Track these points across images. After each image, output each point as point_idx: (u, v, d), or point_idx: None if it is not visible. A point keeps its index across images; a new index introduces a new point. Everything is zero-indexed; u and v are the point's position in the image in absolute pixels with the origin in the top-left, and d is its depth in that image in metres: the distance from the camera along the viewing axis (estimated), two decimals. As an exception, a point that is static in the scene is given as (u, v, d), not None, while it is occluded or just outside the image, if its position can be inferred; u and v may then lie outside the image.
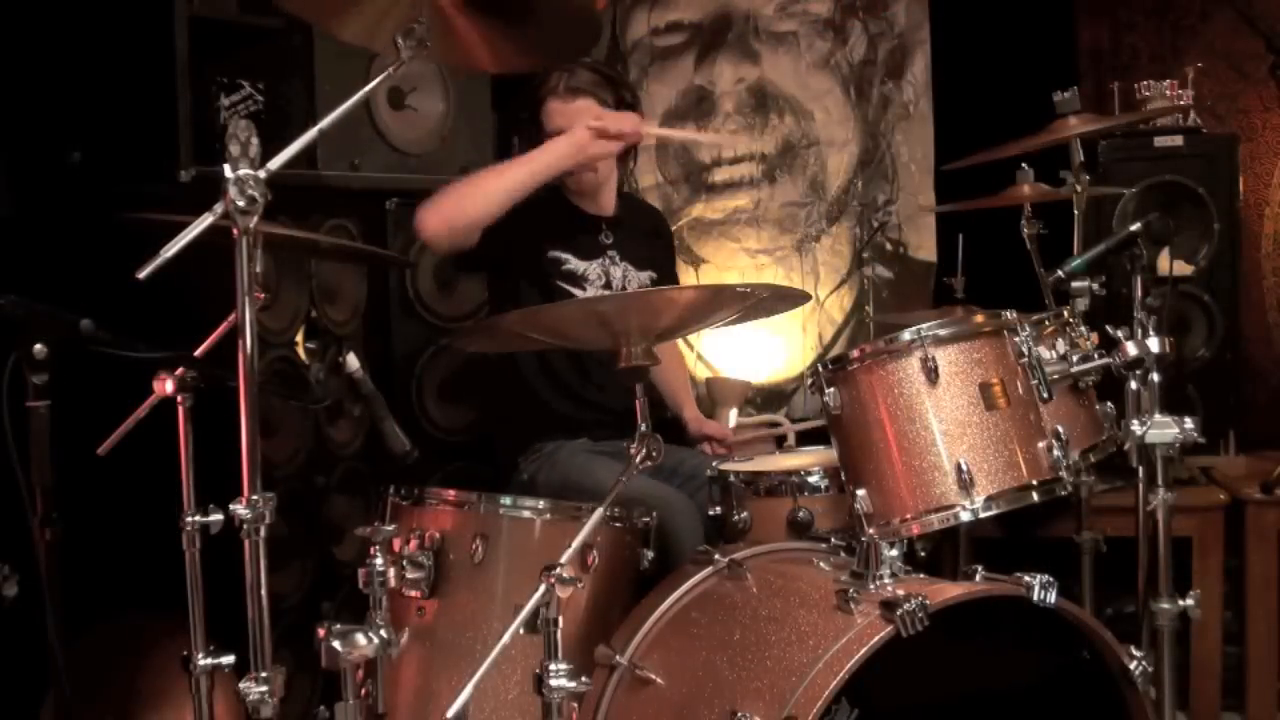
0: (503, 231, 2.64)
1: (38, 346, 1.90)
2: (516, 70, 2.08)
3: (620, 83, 2.88)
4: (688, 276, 4.11)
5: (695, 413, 3.05)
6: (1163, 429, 2.16)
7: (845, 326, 4.21)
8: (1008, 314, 2.07)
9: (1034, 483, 1.99)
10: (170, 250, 1.50)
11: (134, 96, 2.70)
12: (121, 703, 2.39)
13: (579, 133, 2.66)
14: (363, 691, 1.83)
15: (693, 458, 2.79)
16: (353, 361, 2.27)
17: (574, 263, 2.79)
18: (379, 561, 1.94)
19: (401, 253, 3.10)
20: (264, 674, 1.62)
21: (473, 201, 2.60)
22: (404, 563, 2.06)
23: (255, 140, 1.54)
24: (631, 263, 2.88)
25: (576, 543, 1.84)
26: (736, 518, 2.36)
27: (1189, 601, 2.23)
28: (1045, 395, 2.05)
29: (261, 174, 1.54)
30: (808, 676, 1.77)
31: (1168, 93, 3.53)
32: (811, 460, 2.47)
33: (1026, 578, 1.86)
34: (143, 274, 1.49)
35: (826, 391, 2.04)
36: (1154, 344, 2.16)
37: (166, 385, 1.93)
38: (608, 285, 2.82)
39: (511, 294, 2.78)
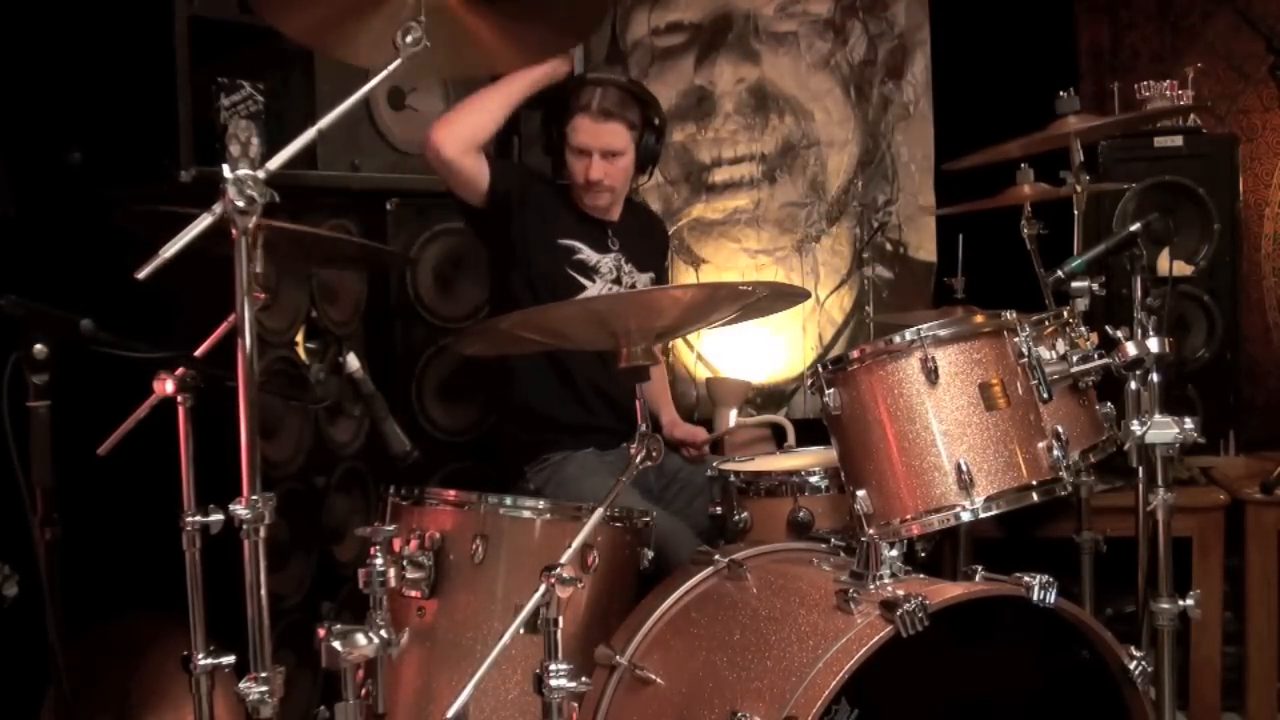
0: (515, 206, 2.72)
1: (38, 346, 1.90)
2: (530, 64, 2.08)
3: (649, 103, 2.87)
4: (688, 277, 4.11)
5: (672, 416, 3.06)
6: (1163, 429, 2.16)
7: (845, 327, 4.20)
8: (1008, 314, 2.07)
9: (1034, 483, 1.99)
10: (170, 250, 1.50)
11: (134, 96, 2.70)
12: (121, 703, 2.39)
13: (555, 67, 2.79)
14: (363, 691, 1.83)
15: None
16: (353, 361, 2.27)
17: (586, 253, 2.81)
18: (379, 561, 1.93)
19: (402, 252, 3.10)
20: (264, 674, 1.62)
21: (477, 115, 2.70)
22: (404, 563, 2.06)
23: (255, 140, 1.54)
24: (636, 264, 2.90)
25: (576, 543, 1.84)
26: (736, 518, 2.36)
27: (1189, 601, 2.23)
28: (1045, 395, 2.04)
29: (261, 174, 1.54)
30: (808, 676, 1.77)
31: (1168, 93, 3.53)
32: (812, 460, 2.47)
33: (1026, 578, 1.86)
34: (142, 274, 1.49)
35: (826, 392, 2.04)
36: (1154, 344, 2.16)
37: (166, 385, 1.93)
38: (618, 280, 2.83)
39: (522, 280, 2.78)
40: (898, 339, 1.99)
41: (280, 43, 2.83)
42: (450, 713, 1.72)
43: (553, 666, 1.75)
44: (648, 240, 3.02)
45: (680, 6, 4.19)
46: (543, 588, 1.74)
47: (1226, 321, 3.53)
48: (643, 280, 2.89)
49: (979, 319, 2.16)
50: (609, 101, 2.76)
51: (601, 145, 2.76)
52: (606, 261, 2.83)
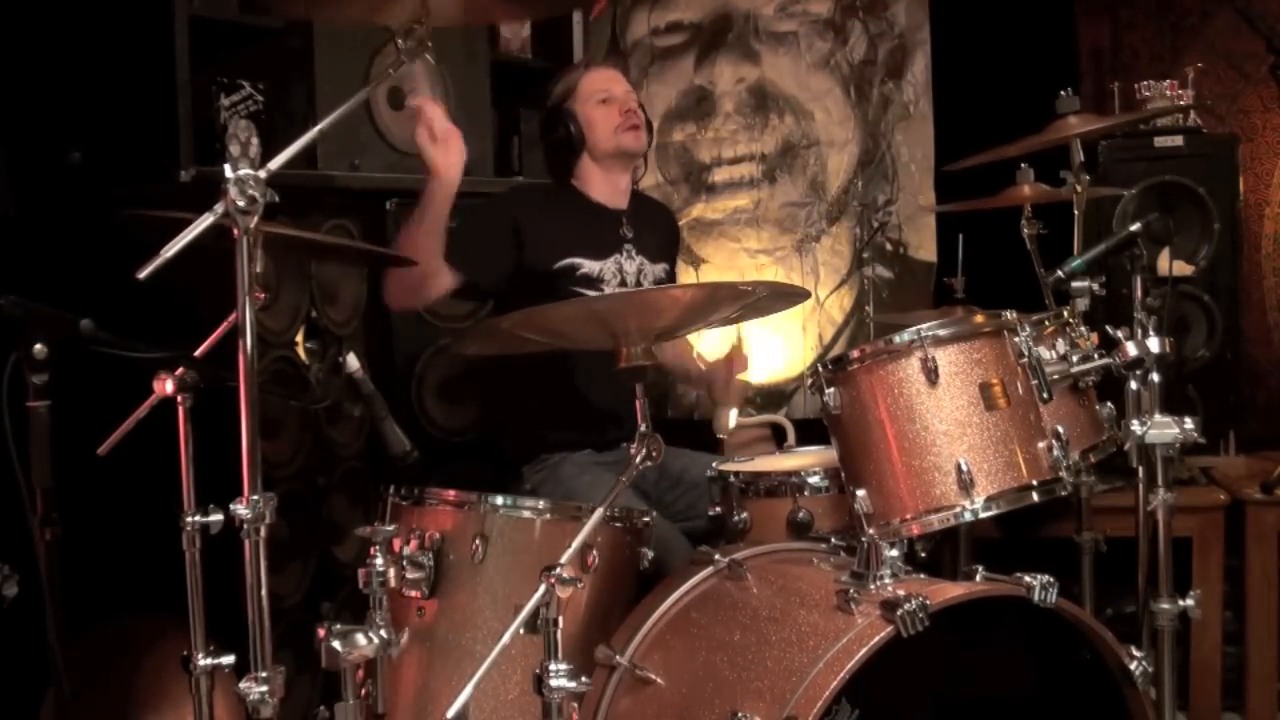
0: (505, 262, 2.71)
1: (38, 346, 1.90)
2: (527, 17, 2.08)
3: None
4: (688, 276, 4.11)
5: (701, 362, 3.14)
6: (1163, 429, 2.16)
7: (845, 326, 4.20)
8: (1008, 314, 2.07)
9: (1034, 483, 1.99)
10: (171, 250, 1.50)
11: (134, 96, 2.70)
12: (121, 703, 2.39)
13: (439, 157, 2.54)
14: (363, 691, 1.83)
15: (690, 462, 2.79)
16: (353, 361, 2.27)
17: (589, 265, 2.80)
18: (379, 561, 1.93)
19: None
20: (264, 674, 1.62)
21: (413, 282, 2.63)
22: (404, 563, 2.05)
23: (255, 140, 1.54)
24: (647, 256, 2.90)
25: (576, 543, 1.84)
26: (736, 518, 2.35)
27: (1189, 601, 2.23)
28: (1045, 395, 2.04)
29: (262, 174, 1.54)
30: (808, 677, 1.77)
31: (1168, 93, 3.53)
32: (811, 460, 2.47)
33: (1026, 578, 1.86)
34: (143, 274, 1.49)
35: (826, 392, 2.04)
36: (1154, 344, 2.16)
37: (166, 385, 1.93)
38: (622, 283, 2.83)
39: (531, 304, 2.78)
40: (898, 339, 1.99)
41: (280, 42, 2.85)
42: (450, 713, 1.72)
43: (553, 666, 1.75)
44: (658, 230, 3.02)
45: (680, 6, 4.20)
46: (543, 588, 1.74)
47: (1226, 321, 3.53)
48: (655, 271, 2.90)
49: (979, 319, 2.16)
50: (604, 61, 2.98)
51: (621, 88, 2.90)
52: (609, 266, 2.83)
